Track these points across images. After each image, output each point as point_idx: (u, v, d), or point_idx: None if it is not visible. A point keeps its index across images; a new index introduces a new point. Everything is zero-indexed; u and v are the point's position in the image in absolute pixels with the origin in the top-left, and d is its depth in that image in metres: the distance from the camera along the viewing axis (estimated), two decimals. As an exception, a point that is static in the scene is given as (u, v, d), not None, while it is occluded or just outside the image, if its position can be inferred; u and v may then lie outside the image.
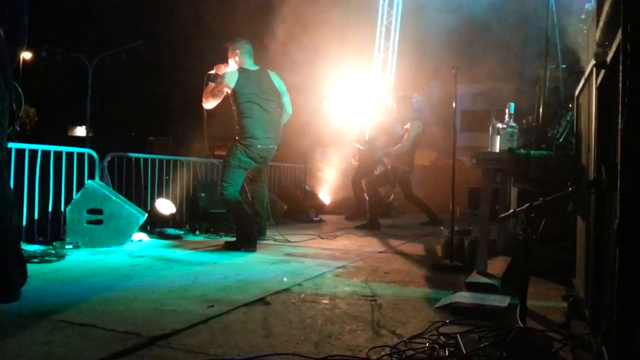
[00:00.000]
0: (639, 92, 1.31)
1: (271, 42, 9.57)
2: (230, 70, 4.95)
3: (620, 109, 1.38)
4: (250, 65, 5.00)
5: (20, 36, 2.81)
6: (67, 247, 4.45)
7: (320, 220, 7.74)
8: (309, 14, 9.52)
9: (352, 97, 9.57)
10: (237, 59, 5.00)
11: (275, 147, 5.09)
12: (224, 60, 5.06)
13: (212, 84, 4.91)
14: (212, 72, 5.00)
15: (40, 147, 4.98)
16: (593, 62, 2.22)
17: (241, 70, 4.92)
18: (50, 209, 5.02)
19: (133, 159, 5.98)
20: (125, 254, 4.39)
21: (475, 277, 3.28)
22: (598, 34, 2.03)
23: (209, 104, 4.93)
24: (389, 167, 7.31)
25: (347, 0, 9.88)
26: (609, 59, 1.94)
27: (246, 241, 4.68)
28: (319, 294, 3.03)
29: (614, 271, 1.40)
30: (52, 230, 4.98)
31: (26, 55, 28.30)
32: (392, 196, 8.91)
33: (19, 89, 2.81)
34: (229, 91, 4.84)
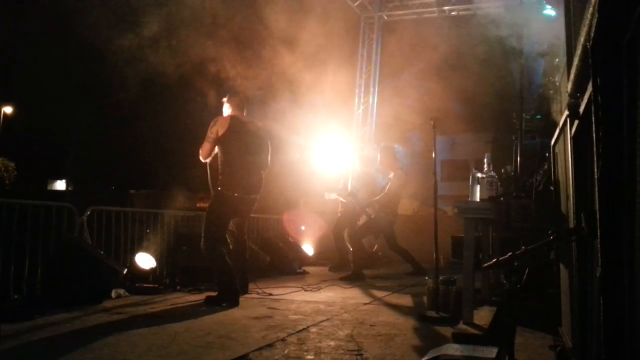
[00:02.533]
0: (612, 141, 1.34)
1: (253, 94, 9.73)
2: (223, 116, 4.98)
3: (595, 158, 1.41)
4: (241, 116, 5.04)
5: None
6: (44, 303, 4.31)
7: (304, 272, 7.64)
8: (291, 66, 9.74)
9: (333, 148, 9.67)
10: (230, 110, 5.04)
11: (257, 198, 5.08)
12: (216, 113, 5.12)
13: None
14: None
15: (18, 202, 4.89)
16: (566, 112, 2.29)
17: (233, 118, 4.93)
18: (26, 265, 4.88)
19: (113, 212, 5.89)
20: (104, 311, 4.26)
21: (462, 328, 3.26)
22: (570, 85, 2.11)
23: (205, 152, 4.86)
24: (373, 217, 7.31)
25: (327, 54, 10.17)
26: (581, 109, 2.00)
27: (228, 295, 4.57)
28: (303, 350, 2.95)
29: (599, 322, 1.39)
30: (28, 287, 4.83)
31: (6, 109, 28.41)
32: (376, 246, 8.89)
33: None
34: (219, 134, 4.80)
